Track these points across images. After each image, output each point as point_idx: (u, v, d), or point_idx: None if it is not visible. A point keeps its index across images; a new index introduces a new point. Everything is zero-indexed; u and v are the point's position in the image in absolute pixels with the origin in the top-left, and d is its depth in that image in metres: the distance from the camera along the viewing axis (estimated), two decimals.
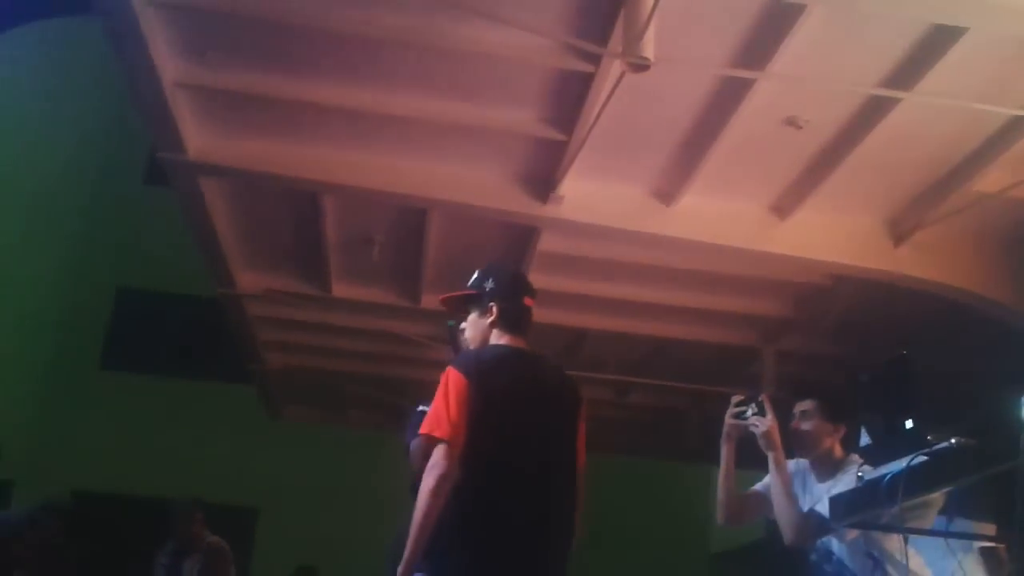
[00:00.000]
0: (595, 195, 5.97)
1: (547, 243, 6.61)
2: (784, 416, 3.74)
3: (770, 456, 3.56)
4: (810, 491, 3.65)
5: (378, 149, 5.79)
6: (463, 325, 3.45)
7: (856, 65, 4.77)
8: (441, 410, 3.01)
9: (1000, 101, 4.82)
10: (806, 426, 3.65)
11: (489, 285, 3.40)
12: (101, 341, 13.17)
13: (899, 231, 6.17)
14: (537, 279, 7.06)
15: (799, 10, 4.28)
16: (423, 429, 3.03)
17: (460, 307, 3.49)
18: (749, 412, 3.60)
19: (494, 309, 3.34)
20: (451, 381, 3.06)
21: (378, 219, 6.72)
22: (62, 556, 6.01)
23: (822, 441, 3.65)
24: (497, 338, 3.33)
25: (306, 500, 11.91)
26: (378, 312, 8.15)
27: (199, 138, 5.64)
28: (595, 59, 4.70)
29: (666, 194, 6.04)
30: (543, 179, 5.86)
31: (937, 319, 6.67)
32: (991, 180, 5.49)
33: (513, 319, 3.36)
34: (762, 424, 3.54)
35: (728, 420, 3.68)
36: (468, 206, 6.12)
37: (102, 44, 5.14)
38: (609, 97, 4.81)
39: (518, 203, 5.99)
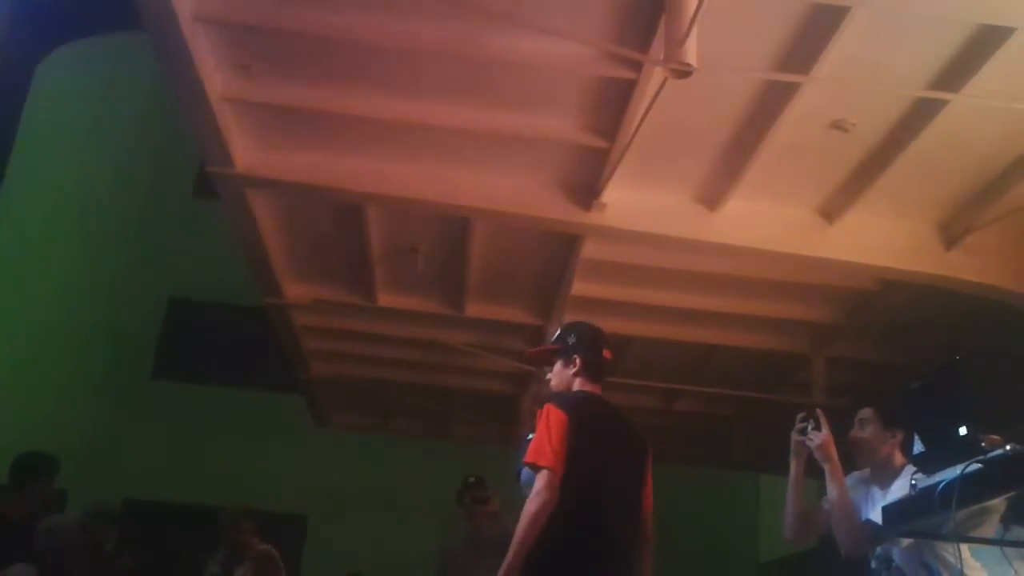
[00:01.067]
0: (638, 202, 5.94)
1: (590, 251, 6.60)
2: (841, 425, 3.75)
3: (826, 468, 3.64)
4: (873, 500, 3.61)
5: (421, 160, 5.83)
6: (548, 375, 3.90)
7: (903, 67, 4.71)
8: (544, 441, 3.42)
9: None
10: (864, 434, 3.70)
11: (572, 339, 3.88)
12: (153, 351, 13.40)
13: (950, 234, 6.07)
14: (580, 287, 7.22)
15: (843, 12, 4.23)
16: (528, 457, 3.44)
17: (544, 359, 3.99)
18: (809, 427, 3.72)
19: (578, 361, 3.81)
20: (552, 415, 3.48)
21: (422, 229, 6.76)
22: (113, 563, 6.12)
23: (880, 448, 3.67)
24: (580, 386, 3.78)
25: (354, 507, 12.00)
26: (423, 321, 8.19)
27: (246, 152, 5.72)
28: (637, 66, 4.69)
29: (710, 200, 6.00)
30: (586, 187, 5.85)
31: (989, 324, 6.54)
32: None
33: (595, 370, 3.84)
34: (816, 437, 3.67)
35: (794, 437, 3.81)
36: (511, 215, 6.13)
37: (152, 58, 5.24)
38: (651, 104, 4.79)
39: (561, 211, 5.99)
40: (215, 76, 5.05)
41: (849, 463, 3.81)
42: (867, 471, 3.77)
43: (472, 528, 6.54)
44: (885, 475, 3.63)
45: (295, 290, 7.70)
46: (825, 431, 3.65)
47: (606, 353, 3.90)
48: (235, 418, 12.60)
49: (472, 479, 6.69)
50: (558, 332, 4.01)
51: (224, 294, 12.63)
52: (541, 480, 3.38)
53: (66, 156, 14.30)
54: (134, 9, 4.49)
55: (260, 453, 12.30)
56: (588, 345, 3.87)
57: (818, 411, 3.75)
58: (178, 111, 5.71)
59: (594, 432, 3.57)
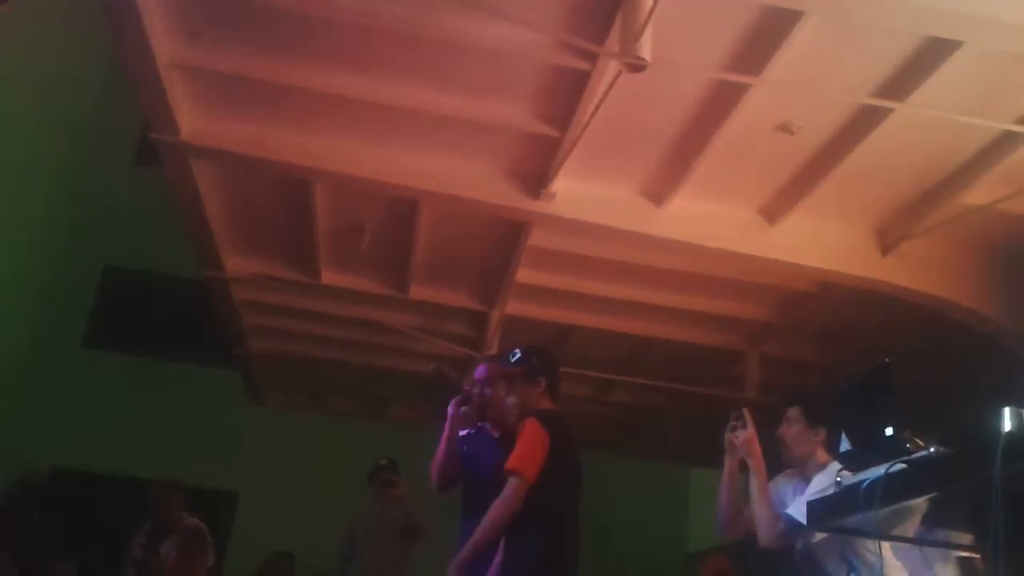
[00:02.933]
0: (586, 193, 5.99)
1: (537, 239, 6.63)
2: (772, 422, 3.86)
3: (749, 463, 3.79)
4: (797, 495, 3.70)
5: (372, 138, 5.79)
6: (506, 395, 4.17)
7: (850, 74, 4.81)
8: (531, 454, 3.68)
9: (991, 115, 4.87)
10: (790, 432, 3.80)
11: (536, 361, 4.12)
12: (86, 319, 13.12)
13: (886, 240, 6.22)
14: (525, 274, 7.25)
15: (796, 17, 4.30)
16: (515, 465, 3.66)
17: (507, 379, 4.19)
18: (738, 426, 3.87)
19: (543, 382, 4.06)
20: (538, 433, 3.72)
21: (369, 208, 6.72)
22: (40, 533, 6.01)
23: (805, 446, 3.79)
24: (547, 404, 4.02)
25: (285, 486, 11.88)
26: (365, 301, 8.15)
27: (192, 120, 5.63)
28: (592, 57, 4.71)
29: (657, 194, 6.06)
30: (535, 175, 5.87)
31: (920, 329, 6.73)
32: (979, 193, 5.55)
33: (556, 390, 4.12)
34: (741, 435, 3.82)
35: (726, 436, 3.93)
36: (459, 199, 6.13)
37: (94, 22, 5.12)
38: (604, 96, 4.83)
39: (510, 198, 6.00)
40: (164, 42, 4.95)
41: (778, 461, 3.91)
42: (794, 470, 3.88)
43: (379, 508, 6.65)
44: (809, 471, 3.74)
45: (236, 264, 7.61)
46: (750, 429, 3.80)
47: (559, 373, 4.17)
48: (168, 391, 12.38)
49: (384, 462, 6.83)
50: (518, 355, 4.17)
51: (162, 264, 12.38)
52: (514, 488, 3.62)
53: (3, 120, 13.88)
54: None
55: (192, 428, 12.12)
56: (551, 367, 4.14)
57: (744, 410, 3.91)
58: (121, 75, 5.59)
59: (565, 453, 3.82)
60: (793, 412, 3.85)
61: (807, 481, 3.74)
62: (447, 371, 4.36)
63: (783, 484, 3.86)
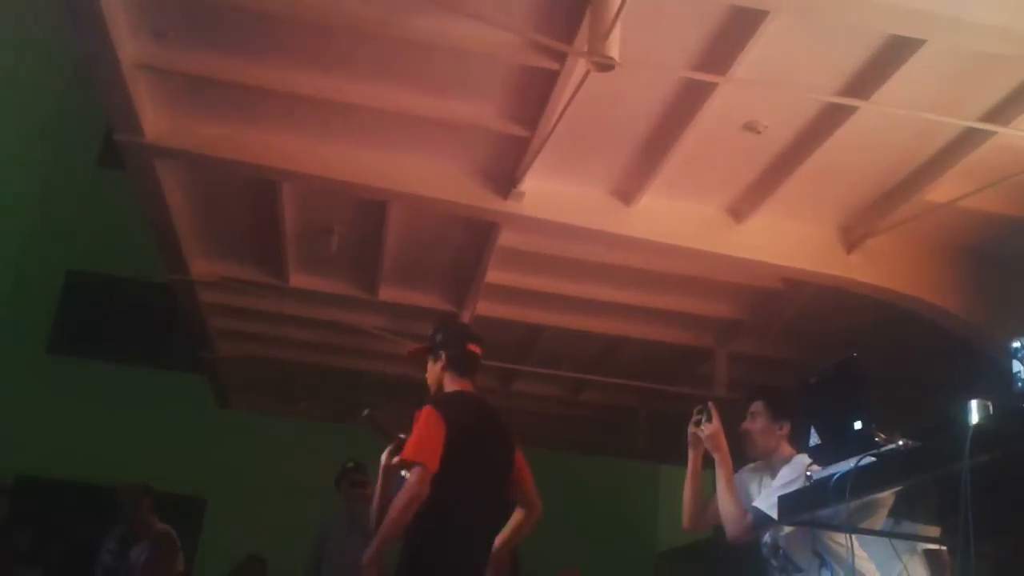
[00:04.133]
0: (556, 192, 6.00)
1: (507, 239, 6.62)
2: (737, 418, 3.88)
3: (715, 457, 3.78)
4: (762, 488, 3.74)
5: (339, 138, 5.76)
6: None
7: (815, 73, 4.85)
8: (422, 439, 3.60)
9: (954, 113, 4.93)
10: (754, 426, 3.83)
11: (439, 337, 4.00)
12: (49, 325, 12.93)
13: (851, 238, 6.29)
14: (495, 275, 7.24)
15: (761, 16, 4.33)
16: (405, 454, 3.58)
17: (418, 359, 4.06)
18: (703, 420, 3.85)
19: (443, 356, 3.93)
20: (431, 418, 3.64)
21: (338, 209, 6.68)
22: (6, 541, 5.91)
23: (769, 440, 3.82)
24: (449, 382, 3.91)
25: (254, 490, 11.79)
26: (334, 303, 8.11)
27: (157, 121, 5.57)
28: (560, 57, 4.72)
29: (626, 194, 6.08)
30: (505, 175, 5.87)
31: (886, 325, 6.81)
32: (942, 190, 5.62)
33: (462, 365, 3.95)
34: (707, 428, 3.80)
35: (690, 429, 3.90)
36: (428, 199, 6.11)
37: (55, 20, 5.05)
38: (573, 96, 4.84)
39: (479, 198, 6.00)
40: (128, 42, 4.90)
41: (743, 456, 3.94)
42: (759, 463, 3.91)
43: (349, 510, 6.63)
44: (775, 464, 3.77)
45: (202, 267, 7.53)
46: (715, 423, 3.78)
47: (472, 347, 3.99)
48: (134, 396, 12.24)
49: (351, 464, 6.80)
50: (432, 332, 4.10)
51: (126, 268, 12.23)
52: (415, 475, 3.53)
53: None
54: None
55: (159, 433, 11.98)
56: (453, 341, 3.98)
57: (710, 404, 3.88)
58: (84, 76, 5.51)
59: (465, 433, 3.70)
60: (757, 406, 3.88)
61: (769, 474, 3.77)
62: (379, 418, 4.17)
63: (747, 477, 3.89)
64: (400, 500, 3.53)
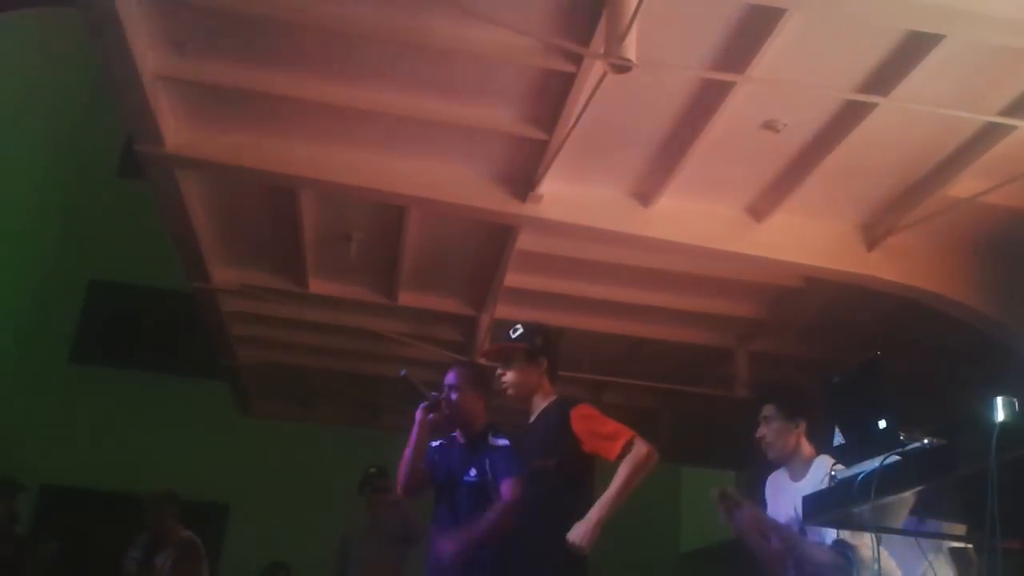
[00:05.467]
0: (574, 194, 5.99)
1: (525, 242, 6.63)
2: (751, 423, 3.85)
3: (773, 536, 3.70)
4: (785, 491, 3.71)
5: (357, 145, 5.78)
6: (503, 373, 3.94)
7: (834, 70, 4.83)
8: (614, 424, 3.72)
9: (974, 108, 4.90)
10: (769, 430, 3.77)
11: (539, 340, 3.96)
12: (72, 334, 13.04)
13: (872, 235, 6.25)
14: (515, 278, 7.25)
15: (779, 14, 4.32)
16: (624, 439, 3.63)
17: (507, 357, 3.96)
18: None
19: (545, 363, 3.94)
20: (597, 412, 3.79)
21: (356, 215, 6.70)
22: (31, 551, 5.96)
23: (787, 441, 3.76)
24: (549, 389, 3.94)
25: (277, 497, 11.85)
26: (354, 309, 8.14)
27: (177, 131, 5.60)
28: (577, 59, 4.72)
29: (644, 195, 6.07)
30: (522, 178, 5.87)
31: (908, 322, 6.77)
32: (964, 186, 5.58)
33: (556, 373, 4.00)
34: (743, 516, 3.72)
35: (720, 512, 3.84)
36: (447, 203, 6.12)
37: (75, 35, 5.11)
38: (590, 98, 4.84)
39: (497, 201, 6.00)
40: (148, 53, 4.94)
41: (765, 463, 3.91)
42: (780, 472, 3.86)
43: (372, 516, 6.64)
44: (796, 467, 3.73)
45: (223, 275, 7.57)
46: (746, 509, 3.70)
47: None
48: (157, 404, 12.33)
49: (373, 469, 6.83)
50: (520, 331, 4.00)
51: (147, 277, 12.34)
52: (645, 449, 3.58)
53: None
54: None
55: (182, 440, 12.06)
56: (554, 348, 4.00)
57: (729, 491, 3.79)
58: (102, 87, 5.56)
59: None
60: (768, 409, 3.82)
61: (792, 477, 3.73)
62: (414, 379, 4.30)
63: (774, 489, 3.83)
64: (641, 457, 3.58)
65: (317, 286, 7.68)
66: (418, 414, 4.26)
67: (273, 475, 11.93)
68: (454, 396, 4.30)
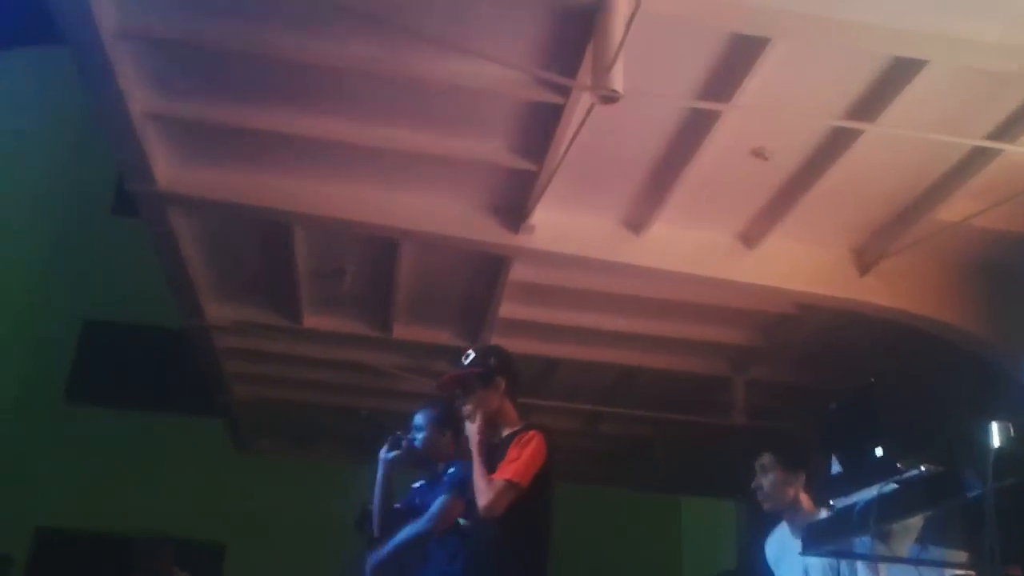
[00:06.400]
0: (566, 225, 6.00)
1: (518, 273, 6.63)
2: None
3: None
4: (791, 553, 3.61)
5: (348, 179, 5.79)
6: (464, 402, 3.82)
7: (820, 97, 4.86)
8: (530, 466, 3.52)
9: (962, 132, 4.93)
10: (766, 481, 3.70)
11: (493, 361, 3.81)
12: (67, 374, 12.99)
13: (864, 260, 6.26)
14: (508, 308, 7.24)
15: (763, 43, 4.35)
16: (514, 476, 3.48)
17: (463, 384, 3.83)
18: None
19: (502, 383, 3.76)
20: (540, 446, 3.57)
21: (349, 249, 6.70)
22: None
23: (784, 493, 3.69)
24: (511, 410, 3.78)
25: (275, 535, 11.76)
26: (349, 343, 8.11)
27: (169, 169, 5.61)
28: (564, 91, 4.74)
29: (636, 224, 6.08)
30: (514, 209, 5.88)
31: (903, 347, 6.75)
32: (954, 209, 5.59)
33: (516, 392, 3.83)
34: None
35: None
36: (439, 236, 6.13)
37: (67, 73, 5.12)
38: (579, 128, 4.85)
39: (489, 233, 6.01)
40: (137, 92, 4.95)
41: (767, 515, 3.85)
42: (784, 526, 3.78)
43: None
44: (797, 524, 3.63)
45: (217, 311, 7.56)
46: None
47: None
48: (152, 443, 12.26)
49: (371, 506, 6.71)
50: (471, 356, 3.89)
51: (141, 315, 12.31)
52: (504, 493, 3.46)
53: None
54: (52, 24, 4.39)
55: (178, 479, 11.98)
56: (509, 367, 3.86)
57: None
58: (95, 126, 5.58)
59: (551, 474, 3.66)
60: (766, 459, 3.75)
61: (796, 535, 3.65)
62: (378, 418, 4.37)
63: (779, 551, 3.74)
64: (488, 498, 3.48)
65: (311, 321, 7.67)
66: (380, 454, 4.31)
67: (270, 513, 11.84)
68: (419, 436, 4.37)
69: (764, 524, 3.97)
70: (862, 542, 2.75)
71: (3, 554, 4.72)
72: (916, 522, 2.71)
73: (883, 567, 3.22)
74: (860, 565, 3.37)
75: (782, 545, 3.75)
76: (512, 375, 3.83)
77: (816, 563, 3.52)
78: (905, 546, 2.95)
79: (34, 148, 13.90)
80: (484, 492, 3.51)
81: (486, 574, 3.65)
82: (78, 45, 4.51)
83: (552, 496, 3.64)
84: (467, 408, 3.77)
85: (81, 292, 13.16)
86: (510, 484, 3.48)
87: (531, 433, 3.61)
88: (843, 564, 3.38)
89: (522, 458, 3.52)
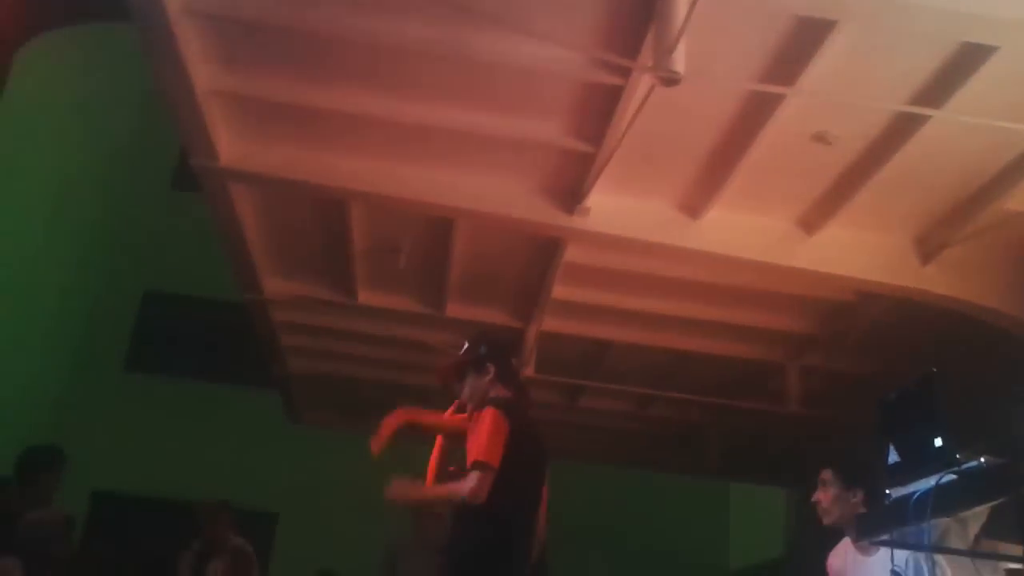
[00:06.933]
0: (621, 207, 5.98)
1: (572, 255, 6.62)
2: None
3: None
4: (860, 568, 3.59)
5: (406, 158, 5.83)
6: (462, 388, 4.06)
7: (886, 82, 4.77)
8: (494, 444, 3.64)
9: None
10: (825, 496, 3.71)
11: (483, 349, 4.05)
12: (127, 344, 13.30)
13: (927, 249, 6.15)
14: (562, 290, 7.25)
15: (829, 26, 4.28)
16: (480, 456, 3.60)
17: (456, 372, 4.10)
18: None
19: (492, 369, 3.99)
20: (500, 423, 3.70)
21: (405, 227, 6.76)
22: (82, 557, 6.08)
23: (844, 508, 3.68)
24: (501, 391, 3.94)
25: (326, 505, 11.95)
26: (402, 319, 8.19)
27: (230, 145, 5.70)
28: (625, 72, 4.72)
29: (692, 207, 6.04)
30: (570, 191, 5.88)
31: (963, 338, 6.63)
32: (1020, 198, 5.47)
33: (509, 377, 4.03)
34: None
35: None
36: (494, 216, 6.15)
37: (129, 49, 5.21)
38: (638, 111, 4.83)
39: (544, 214, 6.01)
40: (202, 69, 5.03)
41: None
42: (846, 545, 3.78)
43: (418, 528, 6.64)
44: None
45: (275, 286, 7.68)
46: None
47: (514, 359, 4.19)
48: (208, 412, 12.53)
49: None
50: (466, 345, 4.13)
51: (200, 287, 12.56)
52: (481, 478, 3.59)
53: (43, 146, 14.16)
54: (119, 1, 4.47)
55: (233, 448, 12.23)
56: (499, 353, 4.06)
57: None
58: (157, 102, 5.68)
59: (522, 443, 3.76)
60: (827, 475, 3.77)
61: (861, 551, 3.62)
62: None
63: (848, 565, 3.71)
64: (461, 491, 3.62)
65: (366, 297, 7.75)
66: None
67: (322, 484, 12.04)
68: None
69: (815, 515, 3.94)
70: (921, 531, 2.72)
71: (67, 516, 4.87)
72: (982, 511, 2.68)
73: (946, 563, 3.18)
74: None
75: (848, 559, 3.73)
76: (502, 361, 4.04)
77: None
78: (969, 537, 2.92)
79: (97, 123, 14.20)
80: (460, 485, 3.67)
81: (457, 547, 3.76)
82: (144, 21, 4.59)
83: (525, 461, 3.73)
84: (462, 393, 4.03)
85: (142, 264, 13.46)
86: (477, 464, 3.63)
87: (485, 411, 3.76)
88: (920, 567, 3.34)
89: (481, 438, 3.67)
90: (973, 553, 3.16)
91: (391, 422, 4.06)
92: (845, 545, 3.77)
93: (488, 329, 4.32)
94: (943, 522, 2.72)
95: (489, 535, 3.64)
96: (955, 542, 2.92)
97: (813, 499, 3.76)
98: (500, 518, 3.64)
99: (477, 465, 3.63)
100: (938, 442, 2.67)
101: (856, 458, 3.85)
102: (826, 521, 3.76)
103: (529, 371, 8.01)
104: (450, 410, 4.38)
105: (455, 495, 3.66)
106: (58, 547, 4.57)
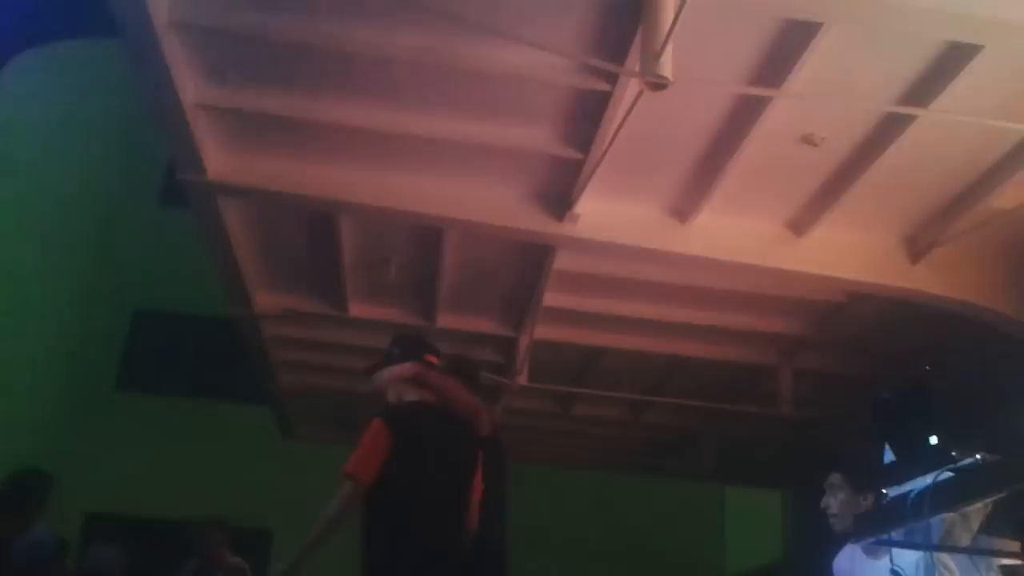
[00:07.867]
0: (611, 213, 5.98)
1: (563, 262, 6.62)
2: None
3: None
4: (870, 572, 3.58)
5: (395, 168, 5.82)
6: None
7: (872, 82, 4.79)
8: (367, 455, 3.67)
9: (1016, 118, 4.82)
10: (835, 501, 3.68)
11: (396, 351, 4.06)
12: (116, 363, 13.23)
13: (916, 248, 6.17)
14: (552, 298, 7.24)
15: (815, 28, 4.30)
16: (348, 468, 3.67)
17: (372, 371, 4.13)
18: None
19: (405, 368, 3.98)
20: (379, 433, 3.70)
21: (394, 238, 6.74)
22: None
23: (853, 514, 3.65)
24: (410, 393, 3.96)
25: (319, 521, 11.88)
26: (394, 331, 8.14)
27: (218, 159, 5.68)
28: (612, 78, 4.72)
29: (682, 212, 6.05)
30: (559, 198, 5.87)
31: (954, 336, 6.65)
32: (1008, 196, 5.50)
33: (425, 376, 3.99)
34: None
35: None
36: (484, 225, 6.14)
37: (115, 65, 5.20)
38: (626, 116, 4.83)
39: (534, 222, 6.00)
40: (189, 83, 5.02)
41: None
42: (853, 547, 3.75)
43: None
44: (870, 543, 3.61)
45: (265, 300, 7.65)
46: None
47: (430, 358, 4.06)
48: (200, 430, 12.46)
49: None
50: (386, 347, 4.15)
51: (190, 304, 12.50)
52: (347, 491, 3.63)
53: (30, 162, 14.11)
54: (105, 15, 4.46)
55: (225, 466, 12.17)
56: (410, 353, 4.03)
57: None
58: (144, 117, 5.65)
59: (416, 443, 3.72)
60: (836, 479, 3.73)
61: (870, 555, 3.60)
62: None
63: (857, 568, 3.70)
64: (326, 511, 3.65)
65: (357, 310, 7.73)
66: None
67: (315, 500, 11.93)
68: None
69: (812, 516, 3.93)
70: (929, 527, 2.71)
71: (60, 538, 4.81)
72: (981, 507, 2.68)
73: (948, 557, 3.17)
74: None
75: (858, 563, 3.70)
76: (416, 361, 4.00)
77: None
78: (969, 534, 2.91)
79: (83, 139, 14.15)
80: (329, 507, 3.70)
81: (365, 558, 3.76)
82: (130, 36, 4.58)
83: (414, 468, 3.67)
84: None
85: (130, 282, 13.40)
86: (344, 477, 3.67)
87: (372, 422, 3.75)
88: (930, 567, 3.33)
89: (357, 450, 3.69)
90: (969, 550, 3.16)
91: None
92: (853, 547, 3.75)
93: (404, 332, 4.34)
94: (948, 517, 2.72)
95: (393, 542, 3.64)
96: (961, 536, 2.91)
97: (822, 505, 3.72)
98: (400, 525, 3.63)
99: (345, 477, 3.67)
100: (933, 440, 2.67)
101: (864, 460, 3.81)
102: (837, 528, 3.70)
103: (523, 380, 8.00)
104: None
105: (327, 516, 3.66)
106: (53, 570, 4.52)
